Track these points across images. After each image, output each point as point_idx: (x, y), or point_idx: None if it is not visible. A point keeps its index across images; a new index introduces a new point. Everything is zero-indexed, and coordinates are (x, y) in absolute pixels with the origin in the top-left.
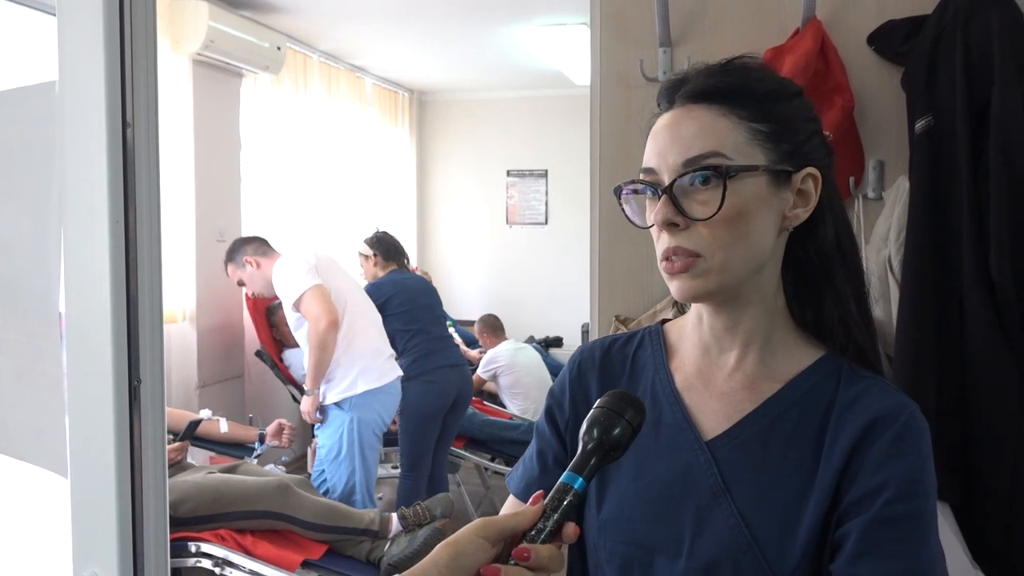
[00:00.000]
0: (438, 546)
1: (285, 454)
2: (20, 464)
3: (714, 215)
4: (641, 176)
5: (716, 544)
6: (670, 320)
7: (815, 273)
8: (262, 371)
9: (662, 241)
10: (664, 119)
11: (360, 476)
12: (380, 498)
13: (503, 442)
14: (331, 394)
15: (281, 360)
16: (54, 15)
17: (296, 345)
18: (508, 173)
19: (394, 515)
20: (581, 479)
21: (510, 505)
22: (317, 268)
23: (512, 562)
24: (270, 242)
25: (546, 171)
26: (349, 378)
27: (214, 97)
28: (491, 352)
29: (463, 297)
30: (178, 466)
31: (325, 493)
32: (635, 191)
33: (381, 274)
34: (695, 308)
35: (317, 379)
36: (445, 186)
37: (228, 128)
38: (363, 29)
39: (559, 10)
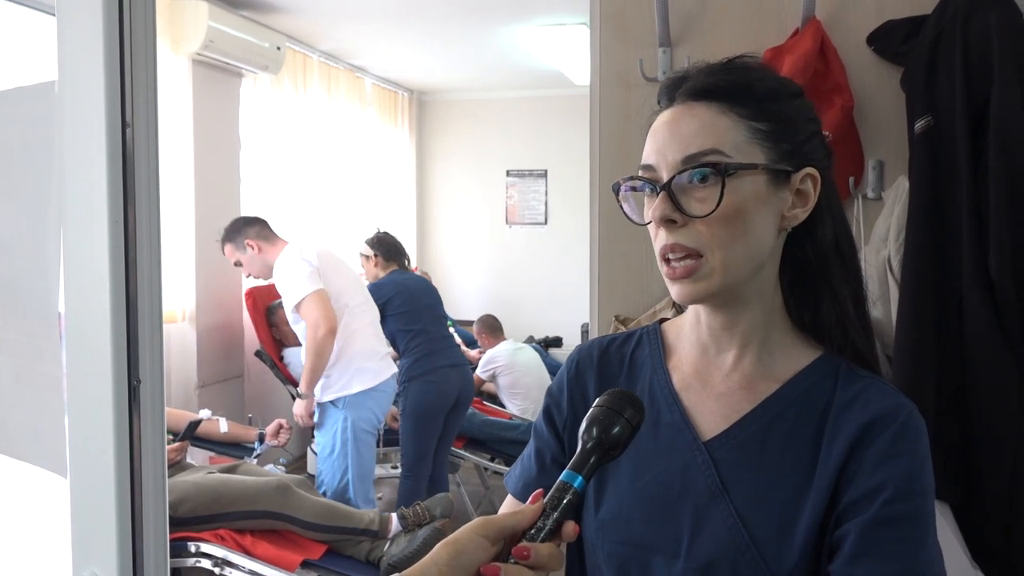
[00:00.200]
0: (438, 545)
1: (285, 454)
2: (19, 464)
3: (712, 212)
4: (640, 173)
5: (714, 544)
6: (668, 320)
7: (813, 274)
8: (262, 371)
9: (659, 238)
10: (664, 116)
11: (353, 473)
12: (380, 498)
13: (502, 442)
14: (327, 393)
15: (281, 360)
16: (53, 15)
17: (297, 344)
18: (508, 173)
19: (394, 515)
20: (581, 478)
21: (508, 505)
22: (319, 270)
23: (512, 560)
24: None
25: (546, 171)
26: (345, 378)
27: (214, 97)
28: (490, 352)
29: (462, 297)
30: (178, 466)
31: (324, 493)
32: (633, 188)
33: (382, 274)
34: (693, 308)
35: (312, 384)
36: (445, 186)
37: (228, 128)
38: (363, 29)
39: (559, 10)
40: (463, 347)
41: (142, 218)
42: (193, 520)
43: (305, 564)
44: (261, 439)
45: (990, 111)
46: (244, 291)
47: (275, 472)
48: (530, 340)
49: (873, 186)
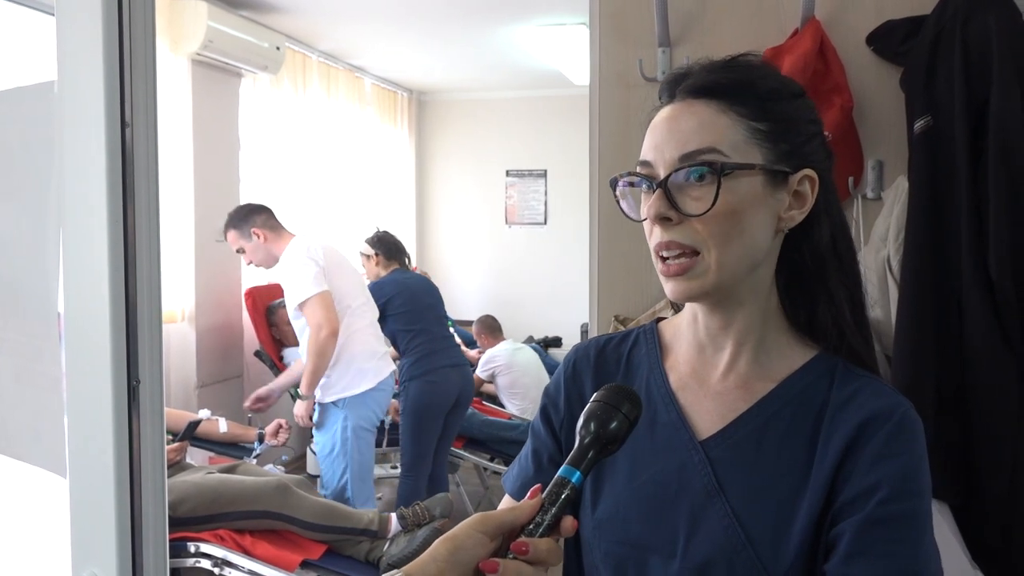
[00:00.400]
0: (437, 541)
1: (284, 454)
2: (19, 464)
3: (707, 212)
4: (638, 169)
5: (710, 544)
6: (665, 319)
7: (809, 276)
8: (261, 371)
9: (655, 235)
10: (663, 112)
11: (352, 472)
12: (379, 498)
13: (502, 442)
14: (328, 394)
15: (280, 360)
16: (53, 15)
17: (296, 344)
18: (507, 173)
19: (393, 515)
20: (579, 473)
21: (505, 505)
22: (325, 270)
23: (511, 556)
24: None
25: (545, 171)
26: (346, 379)
27: (213, 97)
28: (489, 352)
29: (462, 297)
30: (177, 466)
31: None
32: (631, 184)
33: (383, 273)
34: (689, 307)
35: (312, 385)
36: (444, 186)
37: (227, 128)
38: (362, 29)
39: (558, 10)
40: (463, 347)
41: (141, 218)
42: (193, 520)
43: (305, 564)
44: (261, 439)
45: (989, 111)
46: (244, 291)
47: (274, 472)
48: (530, 340)
49: (872, 186)
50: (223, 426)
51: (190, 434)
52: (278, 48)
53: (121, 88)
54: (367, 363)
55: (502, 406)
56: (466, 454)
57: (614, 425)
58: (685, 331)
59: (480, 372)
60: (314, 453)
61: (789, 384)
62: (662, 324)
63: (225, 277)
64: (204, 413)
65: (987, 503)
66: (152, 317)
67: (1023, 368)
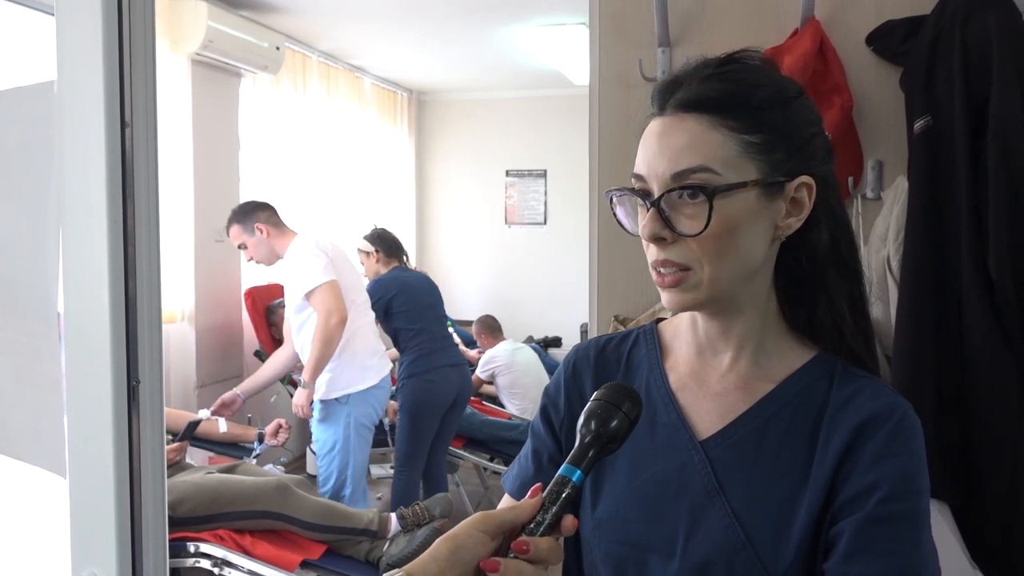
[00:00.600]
0: (437, 540)
1: (284, 454)
2: (19, 464)
3: (701, 232)
4: (632, 182)
5: (710, 544)
6: (665, 320)
7: (807, 279)
8: None
9: (651, 252)
10: (654, 126)
11: (352, 470)
12: (379, 498)
13: (502, 442)
14: (333, 391)
15: None
16: (53, 15)
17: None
18: (507, 173)
19: (393, 515)
20: (579, 471)
21: (505, 504)
22: (334, 262)
23: (511, 555)
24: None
25: (545, 171)
26: (349, 375)
27: (213, 97)
28: (489, 353)
29: (462, 297)
30: (177, 466)
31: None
32: (627, 194)
33: (383, 271)
34: (689, 312)
35: (316, 373)
36: (444, 186)
37: (227, 128)
38: (362, 29)
39: (558, 10)
40: (462, 347)
41: (141, 218)
42: (192, 520)
43: (304, 564)
44: (260, 439)
45: (989, 111)
46: (243, 291)
47: (274, 472)
48: (529, 340)
49: (872, 186)
50: (223, 426)
51: (190, 434)
52: (278, 48)
53: (121, 88)
54: (370, 360)
55: (502, 406)
56: (466, 454)
57: (615, 424)
58: (685, 333)
59: (480, 373)
60: (314, 453)
61: (789, 384)
62: (662, 324)
63: (225, 277)
64: (204, 413)
65: (987, 503)
66: (152, 317)
67: (1023, 368)
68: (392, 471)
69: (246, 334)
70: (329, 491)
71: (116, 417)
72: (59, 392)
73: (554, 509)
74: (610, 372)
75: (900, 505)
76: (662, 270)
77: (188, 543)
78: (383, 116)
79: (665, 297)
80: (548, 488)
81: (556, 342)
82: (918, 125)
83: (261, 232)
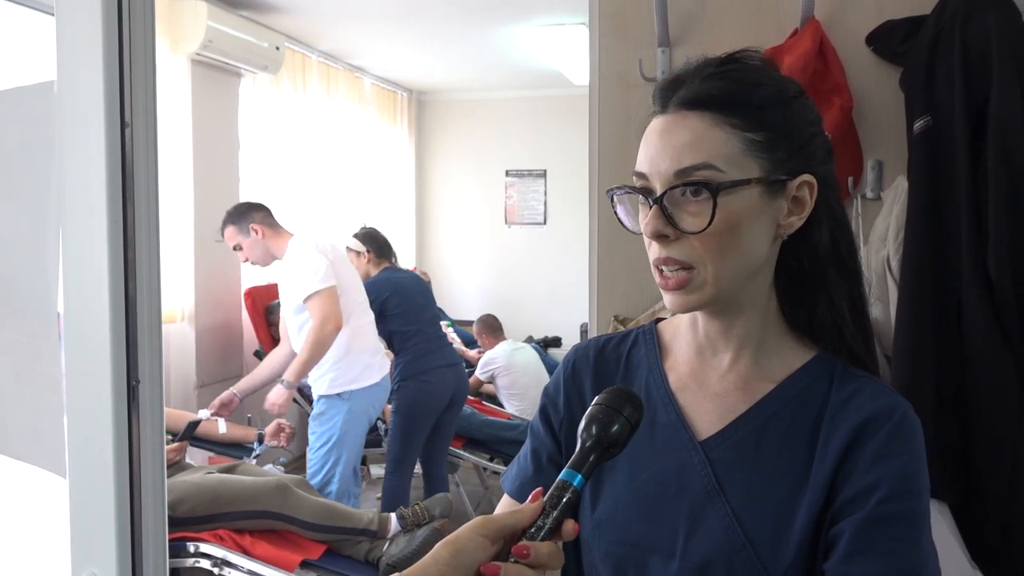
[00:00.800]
0: (438, 544)
1: (284, 454)
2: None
3: (704, 229)
4: (634, 180)
5: (710, 544)
6: (664, 320)
7: (807, 279)
8: None
9: (653, 250)
10: (657, 124)
11: (343, 467)
12: (379, 498)
13: (501, 442)
14: (335, 386)
15: None
16: (52, 15)
17: None
18: (507, 173)
19: (393, 515)
20: (580, 476)
21: (504, 505)
22: (334, 265)
23: (512, 559)
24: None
25: (545, 171)
26: (352, 372)
27: (213, 97)
28: (488, 354)
29: (462, 297)
30: (177, 466)
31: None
32: (628, 193)
33: (374, 271)
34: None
35: (301, 375)
36: (444, 186)
37: (227, 128)
38: (362, 29)
39: (558, 10)
40: (462, 347)
41: (141, 218)
42: (192, 520)
43: (304, 564)
44: (260, 439)
45: (989, 111)
46: (243, 291)
47: (274, 472)
48: (529, 340)
49: (872, 186)
50: (223, 426)
51: (190, 434)
52: (278, 48)
53: (121, 88)
54: (372, 358)
55: (502, 406)
56: (466, 454)
57: (615, 429)
58: (685, 333)
59: (479, 374)
60: None
61: (789, 385)
62: (661, 324)
63: (225, 277)
64: (204, 413)
65: (987, 503)
66: (152, 317)
67: (1023, 368)
68: None
69: (246, 334)
70: (316, 485)
71: (116, 417)
72: (59, 392)
73: (555, 513)
74: (609, 372)
75: (900, 505)
76: (665, 269)
77: (188, 543)
78: (383, 116)
79: (668, 299)
80: (549, 492)
81: (556, 342)
82: (918, 125)
83: (256, 233)
